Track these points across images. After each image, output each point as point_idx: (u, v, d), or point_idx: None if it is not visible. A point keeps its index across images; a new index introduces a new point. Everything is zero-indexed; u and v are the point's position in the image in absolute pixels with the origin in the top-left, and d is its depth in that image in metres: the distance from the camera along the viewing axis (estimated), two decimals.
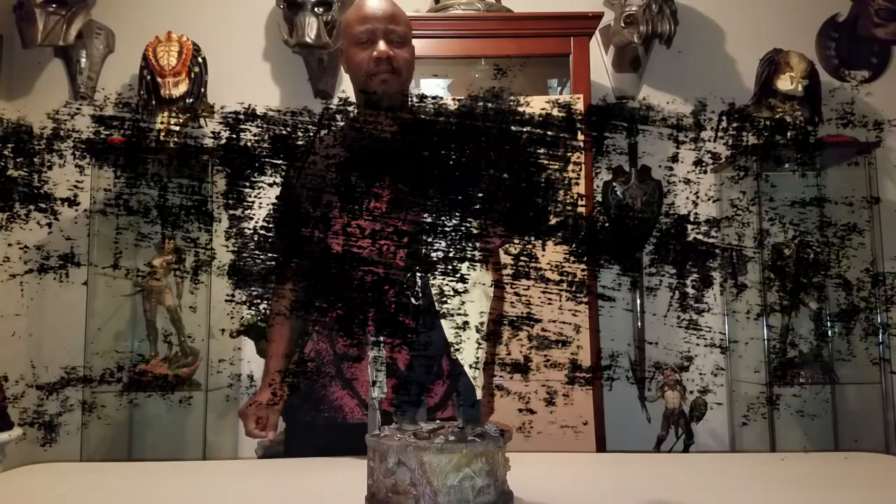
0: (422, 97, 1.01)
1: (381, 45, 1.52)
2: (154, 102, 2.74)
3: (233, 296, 1.00)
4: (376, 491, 0.91)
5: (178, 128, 2.71)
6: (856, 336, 2.84)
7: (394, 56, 1.53)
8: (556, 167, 0.93)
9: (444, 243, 0.98)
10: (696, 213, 1.04)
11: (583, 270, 0.99)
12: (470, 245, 0.97)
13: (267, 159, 0.96)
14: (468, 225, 0.97)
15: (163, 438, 2.84)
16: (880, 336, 2.65)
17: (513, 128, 0.92)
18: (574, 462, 1.32)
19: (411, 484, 0.89)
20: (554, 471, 1.17)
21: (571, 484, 1.12)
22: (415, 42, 1.60)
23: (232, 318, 2.75)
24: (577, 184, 0.94)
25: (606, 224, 1.01)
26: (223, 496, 1.11)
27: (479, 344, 0.94)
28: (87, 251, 2.60)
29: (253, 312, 2.63)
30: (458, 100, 0.96)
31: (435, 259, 0.98)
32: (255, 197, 0.97)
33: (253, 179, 0.97)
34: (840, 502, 1.02)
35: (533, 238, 0.95)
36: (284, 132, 0.93)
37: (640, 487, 1.08)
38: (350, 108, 1.03)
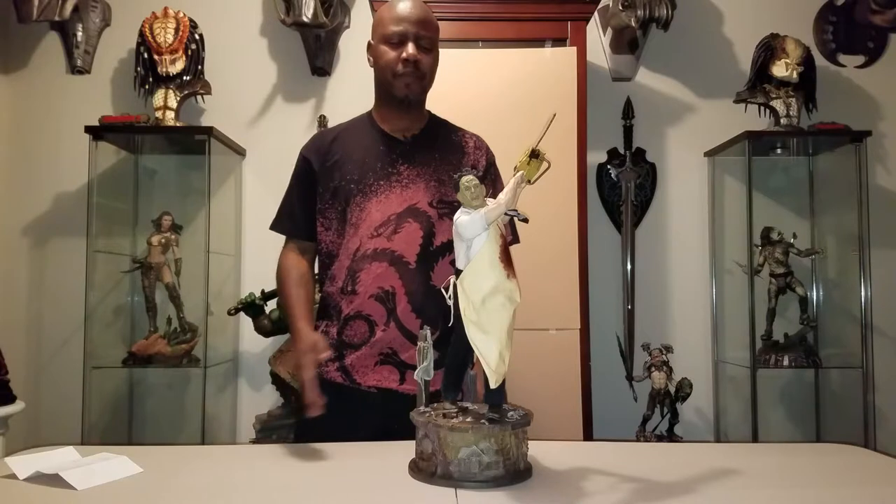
0: None
1: (410, 48, 1.57)
2: (151, 80, 2.74)
3: None
4: (417, 454, 1.15)
5: (175, 105, 2.72)
6: (840, 321, 2.91)
7: (420, 60, 1.57)
8: None
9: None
10: None
11: None
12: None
13: None
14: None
15: (162, 412, 2.90)
16: (863, 319, 2.71)
17: None
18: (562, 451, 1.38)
19: (433, 453, 1.09)
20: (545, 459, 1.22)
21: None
22: None
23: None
24: None
25: None
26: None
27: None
28: (86, 225, 2.63)
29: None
30: None
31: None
32: None
33: None
34: (816, 497, 1.08)
35: None
36: None
37: (624, 477, 1.14)
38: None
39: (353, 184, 1.58)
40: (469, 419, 1.11)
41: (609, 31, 2.98)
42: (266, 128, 2.99)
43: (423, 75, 1.59)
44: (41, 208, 2.95)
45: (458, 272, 1.10)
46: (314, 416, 1.62)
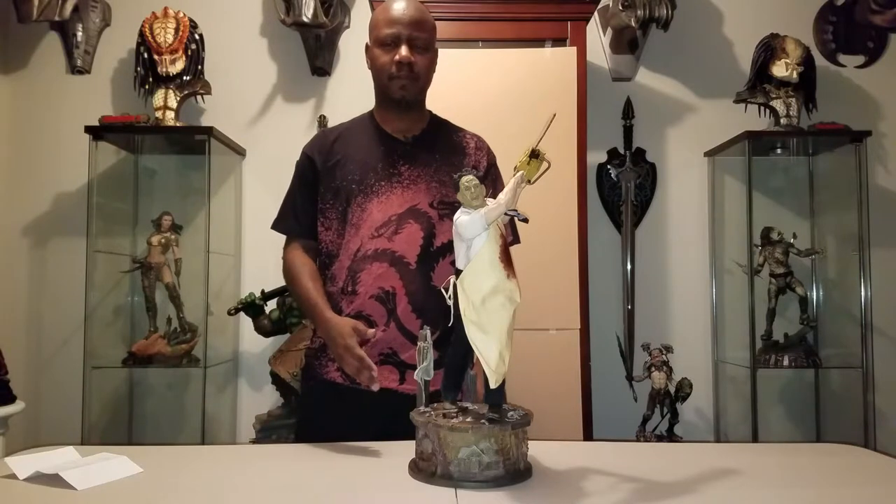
0: None
1: (403, 50, 1.56)
2: (151, 80, 2.74)
3: None
4: (417, 454, 1.15)
5: (175, 105, 2.72)
6: (840, 321, 2.91)
7: (415, 62, 1.57)
8: None
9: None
10: None
11: None
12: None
13: None
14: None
15: (162, 412, 2.90)
16: (863, 319, 2.71)
17: None
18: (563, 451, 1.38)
19: (433, 452, 1.09)
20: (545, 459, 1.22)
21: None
22: None
23: None
24: None
25: None
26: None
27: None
28: (86, 225, 2.63)
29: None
30: None
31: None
32: None
33: None
34: (816, 497, 1.08)
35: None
36: None
37: (624, 477, 1.14)
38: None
39: (355, 184, 1.58)
40: (469, 419, 1.11)
41: (609, 31, 2.98)
42: (266, 128, 2.99)
43: (417, 77, 1.59)
44: (41, 208, 2.95)
45: (458, 272, 1.10)
46: (314, 415, 1.62)
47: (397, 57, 1.56)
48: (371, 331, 1.45)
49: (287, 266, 1.65)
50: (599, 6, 2.78)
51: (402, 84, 1.58)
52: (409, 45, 1.57)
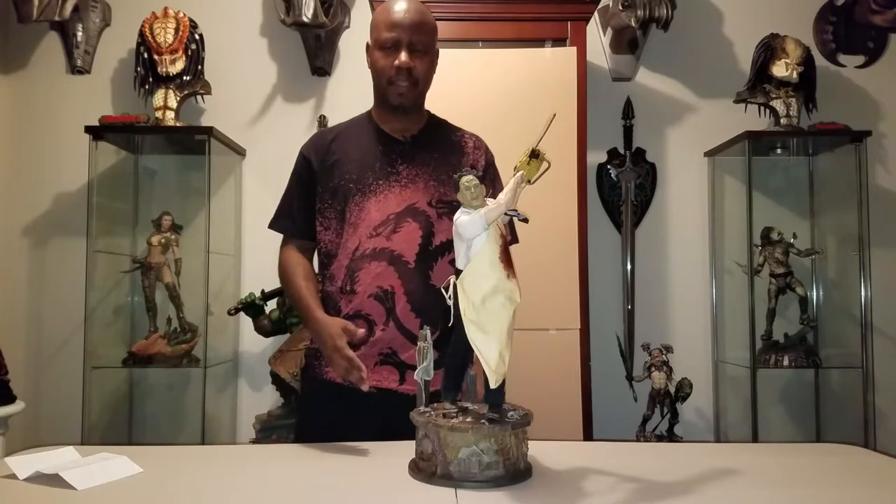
0: None
1: (403, 56, 1.56)
2: (151, 80, 2.74)
3: None
4: (417, 454, 1.15)
5: (175, 105, 2.72)
6: (840, 321, 2.91)
7: (414, 66, 1.57)
8: None
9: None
10: None
11: None
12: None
13: None
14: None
15: (162, 412, 2.90)
16: (863, 319, 2.71)
17: None
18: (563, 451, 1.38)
19: (433, 453, 1.09)
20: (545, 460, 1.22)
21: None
22: None
23: None
24: None
25: None
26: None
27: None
28: (86, 225, 2.63)
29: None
30: None
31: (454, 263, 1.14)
32: None
33: None
34: (816, 497, 1.08)
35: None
36: None
37: (624, 477, 1.14)
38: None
39: (353, 183, 1.58)
40: (469, 419, 1.11)
41: (609, 31, 2.98)
42: (266, 128, 2.99)
43: (416, 81, 1.59)
44: (41, 208, 2.95)
45: (458, 272, 1.10)
46: (314, 415, 1.62)
47: (397, 62, 1.56)
48: (361, 331, 1.46)
49: (282, 266, 1.66)
50: (599, 6, 2.78)
51: (401, 91, 1.58)
52: (410, 49, 1.57)
